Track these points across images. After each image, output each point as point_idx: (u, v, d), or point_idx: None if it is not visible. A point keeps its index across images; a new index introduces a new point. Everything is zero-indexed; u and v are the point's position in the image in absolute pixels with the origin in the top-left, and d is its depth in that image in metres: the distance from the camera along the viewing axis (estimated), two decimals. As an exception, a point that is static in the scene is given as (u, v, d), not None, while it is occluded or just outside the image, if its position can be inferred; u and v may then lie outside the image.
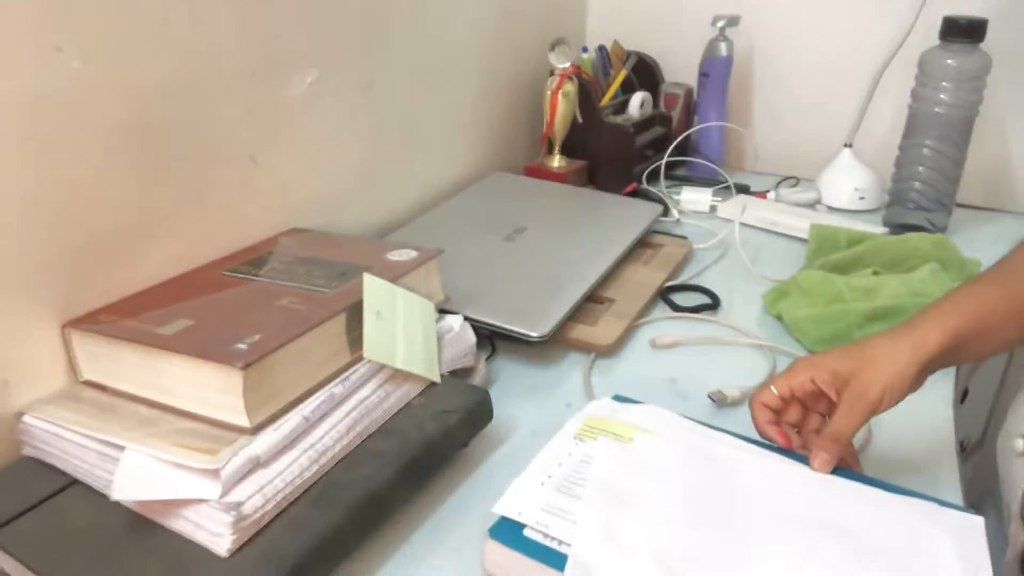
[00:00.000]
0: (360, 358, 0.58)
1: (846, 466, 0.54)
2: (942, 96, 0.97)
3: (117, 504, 0.48)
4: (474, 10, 1.04)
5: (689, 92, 1.29)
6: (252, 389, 0.50)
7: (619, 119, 1.19)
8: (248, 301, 0.61)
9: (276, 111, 0.75)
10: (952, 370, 0.72)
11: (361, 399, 0.56)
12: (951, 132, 0.99)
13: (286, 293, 0.61)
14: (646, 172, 1.20)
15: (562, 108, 1.11)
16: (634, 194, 1.12)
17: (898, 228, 1.04)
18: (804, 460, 0.53)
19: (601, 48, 1.28)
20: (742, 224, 1.03)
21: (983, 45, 0.96)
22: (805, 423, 0.58)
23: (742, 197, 1.16)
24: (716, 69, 1.22)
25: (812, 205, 1.14)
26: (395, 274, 0.65)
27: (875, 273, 0.84)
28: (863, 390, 0.53)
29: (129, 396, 0.55)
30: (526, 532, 0.47)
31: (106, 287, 0.61)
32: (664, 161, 1.18)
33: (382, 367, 0.59)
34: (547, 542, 0.46)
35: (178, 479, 0.46)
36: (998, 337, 0.55)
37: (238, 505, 0.46)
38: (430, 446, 0.56)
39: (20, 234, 0.54)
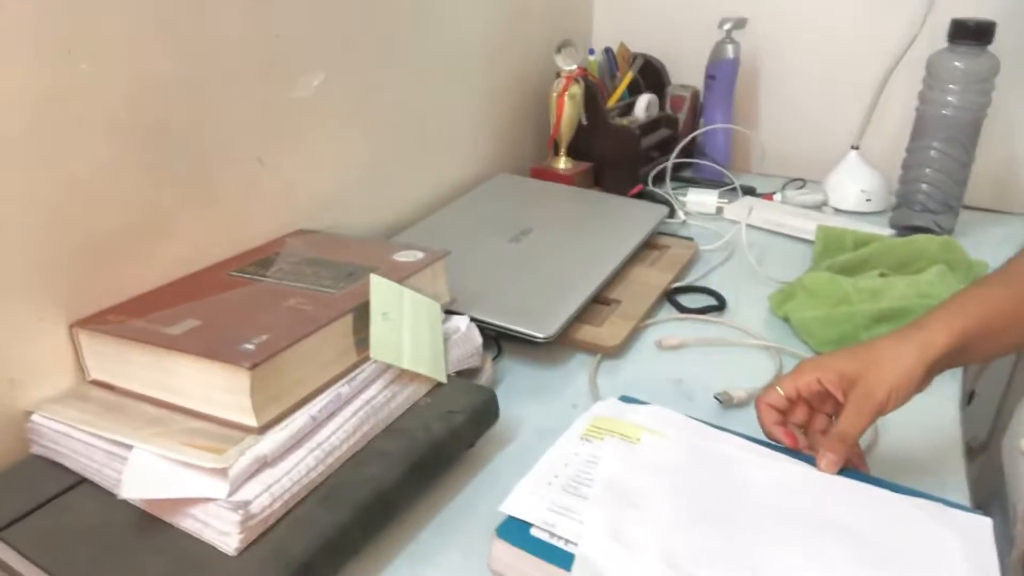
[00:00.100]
0: (367, 358, 0.58)
1: (853, 467, 0.54)
2: (950, 98, 0.97)
3: (125, 503, 0.48)
4: (481, 12, 1.05)
5: (695, 94, 1.29)
6: (259, 389, 0.50)
7: (625, 121, 1.20)
8: (255, 301, 0.61)
9: (283, 112, 0.75)
10: (959, 371, 0.71)
11: (368, 399, 0.57)
12: (958, 134, 0.99)
13: (293, 294, 0.61)
14: (652, 174, 1.20)
15: (568, 110, 1.11)
16: (640, 196, 1.12)
17: (905, 230, 1.04)
18: (811, 461, 0.53)
19: (607, 50, 1.28)
20: (748, 226, 1.03)
21: (991, 47, 0.95)
22: (811, 424, 0.58)
23: (748, 199, 1.16)
24: (723, 71, 1.22)
25: (818, 207, 1.14)
26: (402, 275, 0.65)
27: (882, 275, 0.84)
28: (870, 391, 0.52)
29: (137, 395, 0.56)
30: (533, 531, 0.47)
31: (114, 287, 0.61)
32: (670, 163, 1.18)
33: (389, 367, 0.59)
34: (554, 541, 0.46)
35: (186, 478, 0.47)
36: (1005, 338, 0.55)
37: (246, 504, 0.46)
38: (437, 446, 0.56)
39: (29, 234, 0.54)
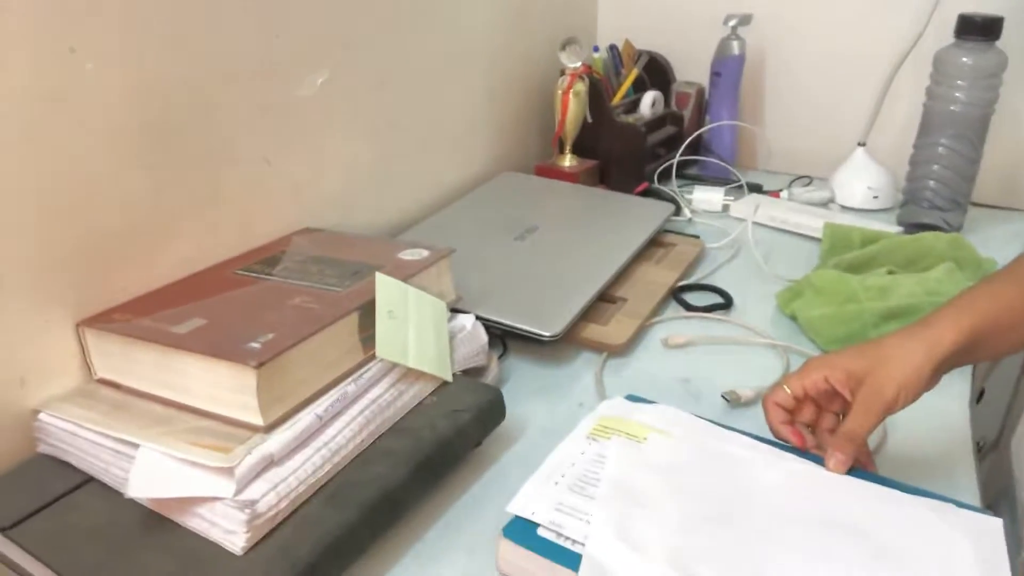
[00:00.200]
0: (372, 357, 0.58)
1: (861, 466, 0.53)
2: (957, 94, 0.96)
3: (132, 501, 0.48)
4: (485, 10, 1.04)
5: (701, 91, 1.28)
6: (265, 388, 0.50)
7: (631, 118, 1.19)
8: (261, 300, 0.61)
9: (289, 112, 0.75)
10: (969, 370, 0.71)
11: (374, 398, 0.57)
12: (966, 130, 0.98)
13: (299, 292, 0.61)
14: (658, 171, 1.19)
15: (573, 108, 1.11)
16: (646, 193, 1.12)
17: (913, 227, 1.03)
18: (819, 460, 0.53)
19: (612, 47, 1.27)
20: (755, 223, 1.03)
21: (999, 43, 0.95)
22: (819, 423, 0.57)
23: (755, 196, 1.15)
24: (728, 68, 1.21)
25: (825, 204, 1.13)
26: (407, 273, 0.65)
27: (890, 272, 0.84)
28: (878, 389, 0.52)
29: (143, 394, 0.56)
30: (540, 531, 0.47)
31: (121, 286, 0.61)
32: (676, 160, 1.18)
33: (394, 366, 0.59)
34: (561, 541, 0.46)
35: (192, 477, 0.47)
36: (1014, 335, 0.55)
37: (252, 503, 0.46)
38: (443, 445, 0.56)
39: (35, 234, 0.54)
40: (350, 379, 0.56)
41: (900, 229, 1.03)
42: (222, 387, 0.51)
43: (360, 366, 0.58)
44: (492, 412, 0.62)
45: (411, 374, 0.60)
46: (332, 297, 0.60)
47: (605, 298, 0.83)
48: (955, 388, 0.69)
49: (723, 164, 1.23)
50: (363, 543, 0.50)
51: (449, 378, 0.62)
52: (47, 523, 0.49)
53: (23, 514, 0.49)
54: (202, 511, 0.47)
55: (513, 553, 0.47)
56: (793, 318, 0.82)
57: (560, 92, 1.11)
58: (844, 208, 1.14)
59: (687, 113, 1.28)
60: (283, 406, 0.52)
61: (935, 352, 0.52)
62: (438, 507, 0.56)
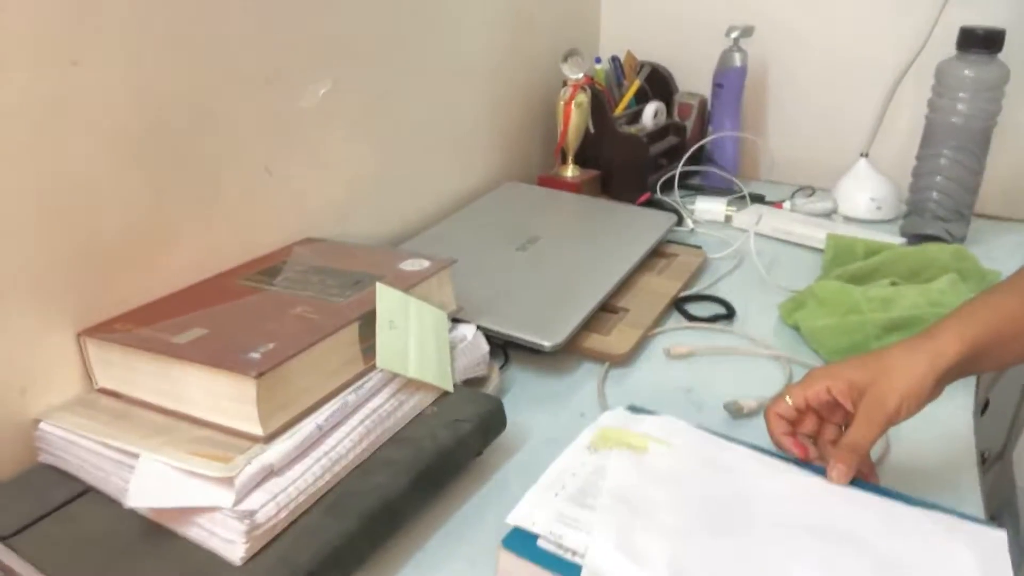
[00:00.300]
0: (373, 367, 0.58)
1: (863, 477, 0.53)
2: (959, 106, 0.96)
3: (132, 511, 0.48)
4: (487, 21, 1.05)
5: (703, 102, 1.29)
6: (266, 398, 0.50)
7: (633, 129, 1.19)
8: (262, 310, 0.61)
9: (290, 121, 0.75)
10: (973, 380, 0.71)
11: (374, 408, 0.56)
12: (969, 142, 0.98)
13: (300, 302, 0.61)
14: (660, 182, 1.20)
15: (575, 118, 1.11)
16: (648, 204, 1.12)
17: (916, 238, 1.03)
18: (821, 472, 0.53)
19: (614, 59, 1.28)
20: (757, 234, 1.03)
21: (1001, 55, 0.95)
22: (821, 434, 0.57)
23: (757, 207, 1.15)
24: (730, 79, 1.22)
25: (828, 215, 1.13)
26: (408, 284, 0.65)
27: (893, 284, 0.83)
28: (880, 400, 0.52)
29: (144, 404, 0.56)
30: (540, 543, 0.47)
31: (121, 296, 0.61)
32: (678, 171, 1.18)
33: (395, 376, 0.59)
34: (561, 552, 0.46)
35: (192, 487, 0.47)
36: (1017, 346, 0.55)
37: (252, 513, 0.46)
38: (443, 455, 0.56)
39: (36, 243, 0.54)
40: (351, 389, 0.56)
41: (903, 240, 1.03)
42: (222, 397, 0.51)
43: (361, 376, 0.58)
44: (493, 422, 0.62)
45: (412, 384, 0.60)
46: (333, 307, 0.60)
47: (607, 308, 0.83)
48: (959, 399, 0.69)
49: (725, 175, 1.23)
50: (363, 553, 0.50)
51: (450, 388, 0.62)
52: (47, 532, 0.49)
53: (23, 523, 0.49)
54: (201, 521, 0.46)
55: (513, 564, 0.47)
56: (796, 329, 0.82)
57: (562, 103, 1.12)
58: (847, 219, 1.14)
59: (689, 124, 1.28)
60: (283, 416, 0.52)
61: (938, 363, 0.52)
62: (438, 517, 0.56)
